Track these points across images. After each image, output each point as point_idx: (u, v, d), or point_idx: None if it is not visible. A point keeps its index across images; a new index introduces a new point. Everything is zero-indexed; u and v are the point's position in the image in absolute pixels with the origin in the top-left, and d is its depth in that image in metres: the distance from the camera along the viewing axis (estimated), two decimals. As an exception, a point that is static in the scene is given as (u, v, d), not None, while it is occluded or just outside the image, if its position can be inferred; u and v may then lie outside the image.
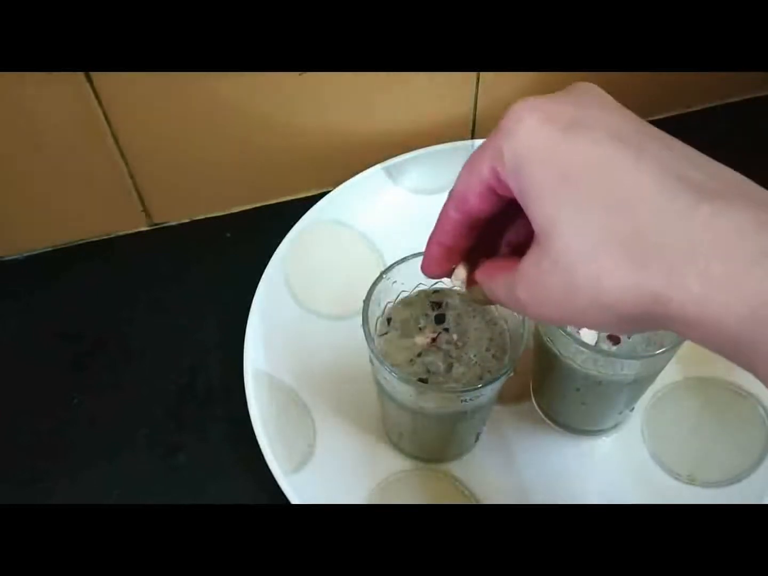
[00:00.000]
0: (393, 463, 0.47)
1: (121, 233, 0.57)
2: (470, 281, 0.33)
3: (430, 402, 0.39)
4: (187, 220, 0.58)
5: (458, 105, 0.57)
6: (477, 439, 0.47)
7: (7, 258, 0.56)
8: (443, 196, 0.59)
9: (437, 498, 0.46)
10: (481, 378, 0.40)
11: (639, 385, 0.44)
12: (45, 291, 0.54)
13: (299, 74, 0.50)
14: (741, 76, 0.62)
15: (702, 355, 0.48)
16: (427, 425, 0.42)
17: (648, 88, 0.60)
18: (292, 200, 0.59)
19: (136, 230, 0.57)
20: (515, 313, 0.40)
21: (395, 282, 0.42)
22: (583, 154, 0.26)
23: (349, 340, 0.47)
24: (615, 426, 0.48)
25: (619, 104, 0.28)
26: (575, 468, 0.47)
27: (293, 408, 0.48)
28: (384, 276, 0.41)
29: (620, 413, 0.47)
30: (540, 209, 0.26)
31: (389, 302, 0.42)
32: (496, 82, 0.56)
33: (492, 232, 0.32)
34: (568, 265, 0.26)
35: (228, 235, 0.57)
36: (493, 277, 0.31)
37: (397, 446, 0.47)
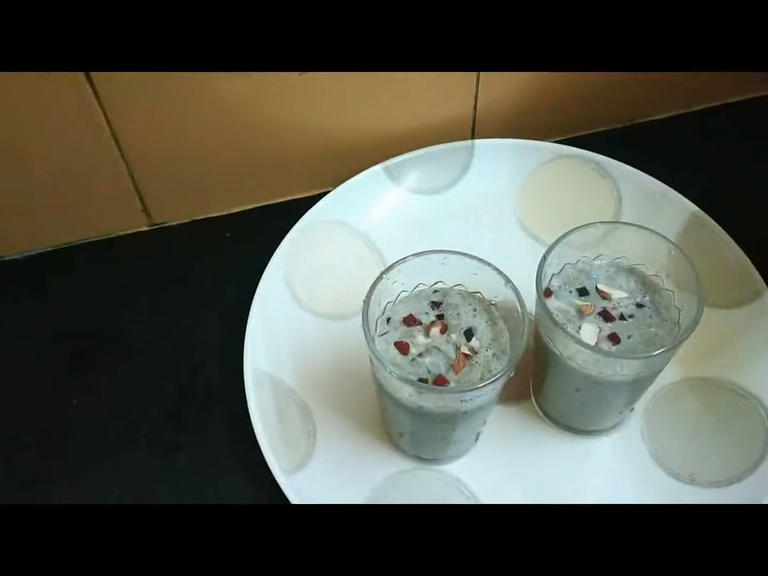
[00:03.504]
0: (393, 463, 0.47)
1: (121, 233, 0.57)
2: None
3: (430, 402, 0.39)
4: (187, 220, 0.58)
5: (458, 105, 0.57)
6: (477, 439, 0.47)
7: (7, 258, 0.56)
8: (443, 196, 0.60)
9: (437, 498, 0.46)
10: (481, 378, 0.40)
11: (639, 385, 0.44)
12: (45, 291, 0.54)
13: (299, 74, 0.50)
14: (741, 76, 0.62)
15: (702, 355, 0.49)
16: (427, 425, 0.42)
17: (648, 88, 0.60)
18: (292, 200, 0.59)
19: (136, 230, 0.57)
20: (515, 313, 0.40)
21: (395, 282, 0.42)
22: None
23: (349, 340, 0.47)
24: (615, 426, 0.48)
25: None
26: (575, 468, 0.47)
27: (293, 408, 0.48)
28: (384, 276, 0.41)
29: (620, 413, 0.47)
30: None
31: (389, 302, 0.42)
32: (496, 82, 0.56)
33: None
34: None
35: (228, 235, 0.57)
36: None
37: (397, 446, 0.47)
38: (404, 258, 0.41)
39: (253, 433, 0.45)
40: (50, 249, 0.56)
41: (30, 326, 0.53)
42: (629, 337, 0.41)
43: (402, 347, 0.41)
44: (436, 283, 0.43)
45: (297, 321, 0.51)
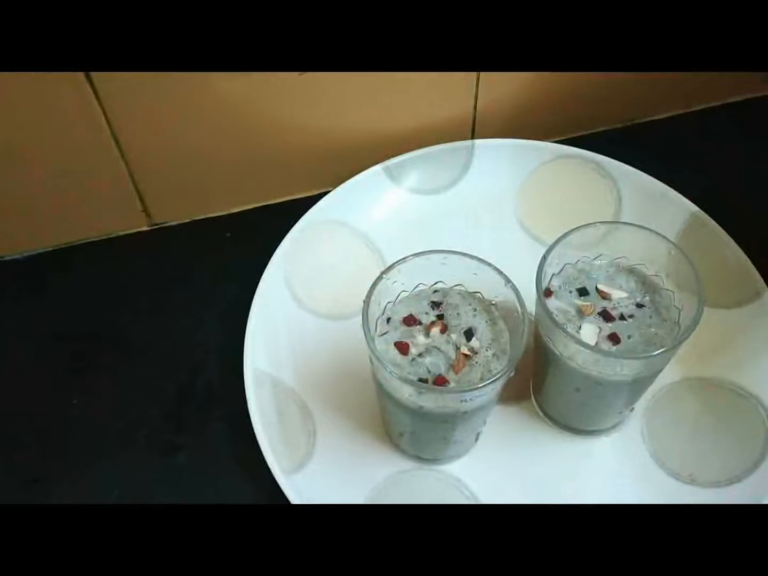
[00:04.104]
0: (393, 463, 0.47)
1: (121, 233, 0.57)
2: None
3: (430, 402, 0.39)
4: (187, 220, 0.58)
5: (458, 105, 0.57)
6: (477, 439, 0.47)
7: (7, 258, 0.56)
8: (443, 196, 0.60)
9: (437, 498, 0.46)
10: (481, 378, 0.40)
11: (639, 385, 0.44)
12: (45, 291, 0.54)
13: (299, 74, 0.50)
14: (741, 76, 0.62)
15: (702, 355, 0.49)
16: (427, 425, 0.42)
17: (648, 88, 0.60)
18: (292, 200, 0.59)
19: (136, 230, 0.57)
20: (515, 313, 0.40)
21: (395, 282, 0.42)
22: None
23: (349, 340, 0.47)
24: (615, 426, 0.48)
25: None
26: (575, 468, 0.47)
27: (293, 408, 0.48)
28: (384, 276, 0.41)
29: (620, 413, 0.47)
30: None
31: (389, 302, 0.42)
32: (496, 82, 0.56)
33: None
34: None
35: (228, 235, 0.57)
36: None
37: (397, 446, 0.47)
38: (404, 258, 0.41)
39: (253, 433, 0.45)
40: (50, 249, 0.56)
41: (30, 326, 0.53)
42: (629, 337, 0.41)
43: (402, 347, 0.41)
44: (436, 283, 0.43)
45: (297, 321, 0.51)
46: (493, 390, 0.40)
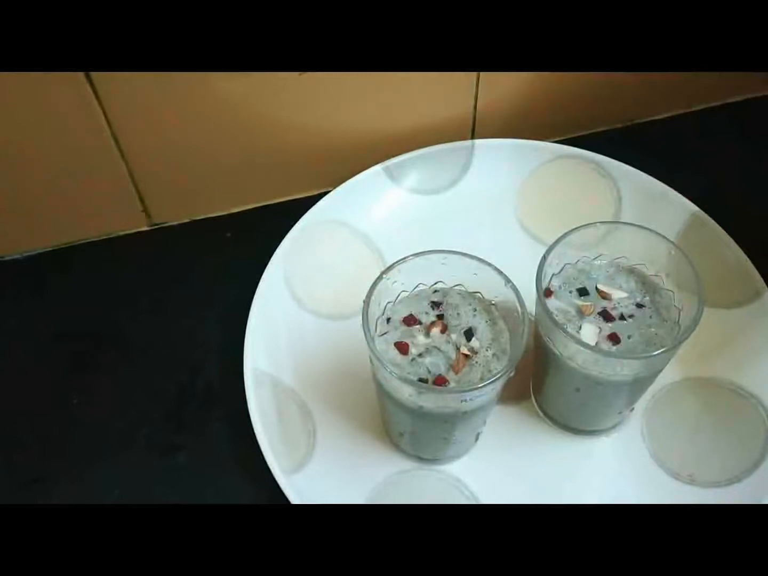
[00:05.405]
0: (393, 463, 0.47)
1: (121, 233, 0.57)
2: None
3: (430, 402, 0.39)
4: (187, 220, 0.58)
5: (458, 105, 0.57)
6: (477, 439, 0.47)
7: (7, 258, 0.56)
8: (443, 196, 0.60)
9: (437, 498, 0.46)
10: (481, 378, 0.40)
11: (639, 385, 0.44)
12: (45, 291, 0.54)
13: (299, 74, 0.50)
14: (741, 76, 0.62)
15: (702, 355, 0.49)
16: (427, 425, 0.42)
17: (648, 88, 0.60)
18: (292, 200, 0.59)
19: (136, 230, 0.57)
20: (515, 313, 0.40)
21: (395, 282, 0.42)
22: None
23: (349, 340, 0.47)
24: (615, 426, 0.48)
25: None
26: (575, 468, 0.47)
27: (293, 408, 0.48)
28: (384, 276, 0.41)
29: (620, 413, 0.47)
30: None
31: (389, 302, 0.42)
32: (496, 82, 0.56)
33: None
34: None
35: (228, 235, 0.57)
36: None
37: (397, 446, 0.47)
38: (404, 258, 0.41)
39: (253, 433, 0.45)
40: (50, 249, 0.56)
41: (30, 326, 0.53)
42: (629, 337, 0.41)
43: (402, 347, 0.41)
44: (436, 283, 0.43)
45: (297, 321, 0.51)
46: (493, 390, 0.40)
